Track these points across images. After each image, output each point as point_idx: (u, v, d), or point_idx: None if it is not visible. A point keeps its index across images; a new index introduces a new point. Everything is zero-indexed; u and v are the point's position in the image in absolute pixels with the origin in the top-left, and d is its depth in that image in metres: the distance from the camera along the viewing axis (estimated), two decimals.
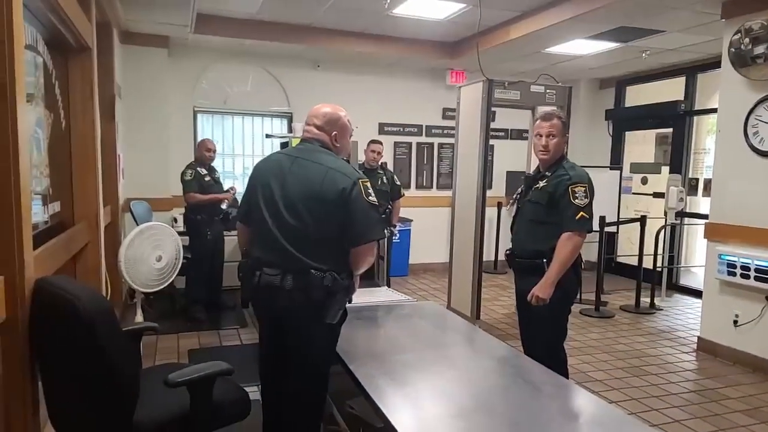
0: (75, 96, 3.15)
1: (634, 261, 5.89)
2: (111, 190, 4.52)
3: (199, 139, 5.42)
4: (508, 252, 2.95)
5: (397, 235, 5.45)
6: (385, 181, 5.15)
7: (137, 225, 4.30)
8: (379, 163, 5.16)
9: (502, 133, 7.35)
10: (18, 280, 1.67)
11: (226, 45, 5.85)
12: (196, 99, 6.13)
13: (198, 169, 4.73)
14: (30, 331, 1.72)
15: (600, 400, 2.02)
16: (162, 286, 3.36)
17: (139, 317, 3.45)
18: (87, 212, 3.21)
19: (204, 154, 4.82)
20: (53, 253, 2.43)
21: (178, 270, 3.44)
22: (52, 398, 1.79)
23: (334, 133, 2.23)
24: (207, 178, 4.75)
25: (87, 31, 3.11)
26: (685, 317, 5.28)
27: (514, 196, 2.96)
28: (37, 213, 2.51)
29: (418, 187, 7.20)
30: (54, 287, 1.71)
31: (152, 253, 3.28)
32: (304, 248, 2.05)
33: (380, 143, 5.19)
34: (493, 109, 4.61)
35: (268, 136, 5.79)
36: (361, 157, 5.20)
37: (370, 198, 2.08)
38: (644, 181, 6.98)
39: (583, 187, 2.61)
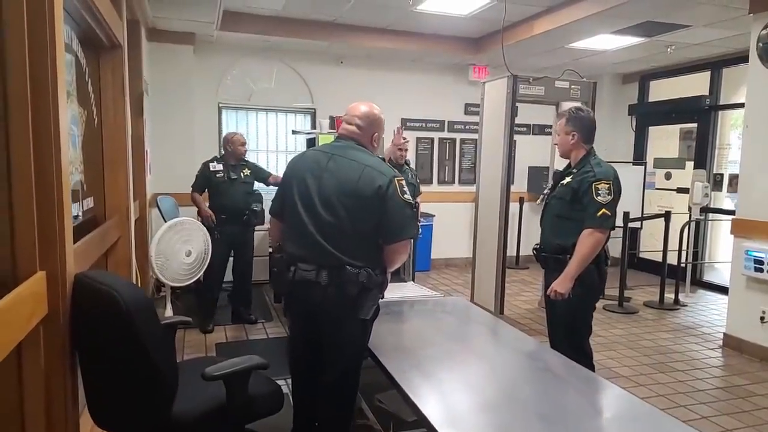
0: (107, 93, 3.20)
1: (657, 257, 5.83)
2: (139, 185, 4.59)
3: (225, 133, 5.25)
4: (536, 247, 2.95)
5: (420, 231, 5.47)
6: (412, 176, 5.17)
7: (164, 220, 4.38)
8: (405, 159, 5.18)
9: (524, 129, 7.29)
10: (60, 275, 1.71)
11: (251, 42, 5.89)
12: (221, 95, 6.19)
13: (212, 163, 4.43)
14: (71, 324, 1.77)
15: (631, 395, 2.02)
16: (191, 281, 3.42)
17: (168, 311, 3.51)
18: (118, 207, 3.27)
19: (236, 149, 4.46)
20: (89, 249, 2.49)
21: (206, 265, 3.49)
22: (92, 390, 1.84)
23: (375, 133, 2.27)
24: (219, 175, 4.37)
25: (118, 29, 3.16)
26: (710, 313, 5.22)
27: (545, 192, 2.97)
28: (74, 209, 2.58)
29: (440, 182, 7.19)
30: (94, 281, 1.76)
31: (182, 247, 3.34)
32: (339, 244, 2.07)
33: (406, 140, 5.20)
34: (516, 104, 4.59)
35: (294, 132, 5.82)
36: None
37: (405, 196, 2.10)
38: (668, 177, 6.89)
39: (607, 184, 2.60)
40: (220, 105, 6.19)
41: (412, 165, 5.67)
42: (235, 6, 5.15)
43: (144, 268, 3.89)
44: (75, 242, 2.29)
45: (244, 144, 4.52)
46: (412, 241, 5.10)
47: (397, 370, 2.04)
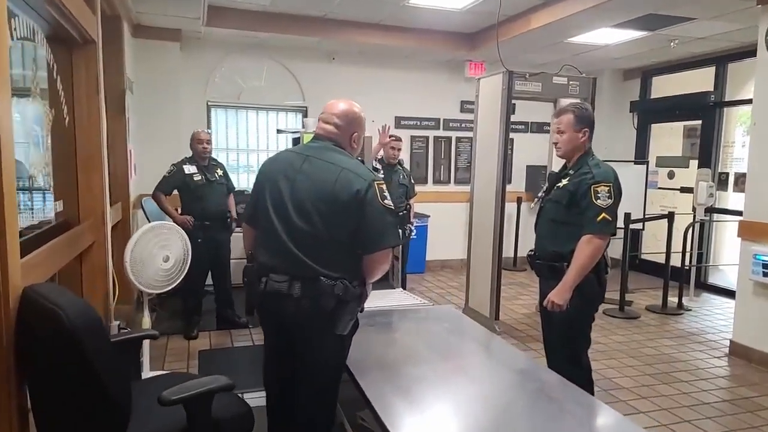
0: (79, 91, 3.04)
1: (659, 258, 5.66)
2: (121, 186, 4.45)
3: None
4: (530, 253, 2.78)
5: (415, 231, 5.30)
6: (404, 176, 5.02)
7: (149, 222, 4.22)
8: (398, 159, 5.03)
9: (522, 127, 7.13)
10: (2, 290, 1.56)
11: (240, 38, 5.74)
12: (209, 93, 6.03)
13: (185, 166, 4.20)
14: (17, 343, 1.62)
15: (632, 423, 1.83)
16: (169, 288, 3.25)
17: (146, 318, 3.35)
18: (92, 210, 3.11)
19: (196, 147, 4.24)
20: (51, 256, 2.33)
21: (186, 271, 3.33)
22: (41, 416, 1.69)
23: (355, 133, 2.10)
24: (196, 177, 4.18)
25: (91, 24, 3.00)
26: (716, 319, 5.04)
27: (539, 194, 2.79)
28: (37, 213, 2.42)
29: (435, 181, 7.03)
30: (40, 297, 1.60)
31: (159, 253, 3.17)
32: (313, 253, 1.91)
33: (399, 139, 5.05)
34: (513, 101, 4.43)
35: (279, 131, 5.66)
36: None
37: (385, 201, 1.93)
38: (671, 176, 6.72)
39: (607, 186, 2.43)
40: (209, 103, 6.04)
41: (406, 165, 5.51)
42: (221, 1, 4.98)
43: (123, 274, 3.73)
44: (36, 249, 2.16)
45: (201, 141, 4.24)
46: (402, 243, 4.99)
47: (374, 391, 1.87)
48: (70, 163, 2.97)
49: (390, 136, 4.87)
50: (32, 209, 2.35)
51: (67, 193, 2.89)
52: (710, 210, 5.86)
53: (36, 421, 1.71)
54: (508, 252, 6.66)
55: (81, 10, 2.77)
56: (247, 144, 6.35)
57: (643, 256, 6.74)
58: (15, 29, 2.06)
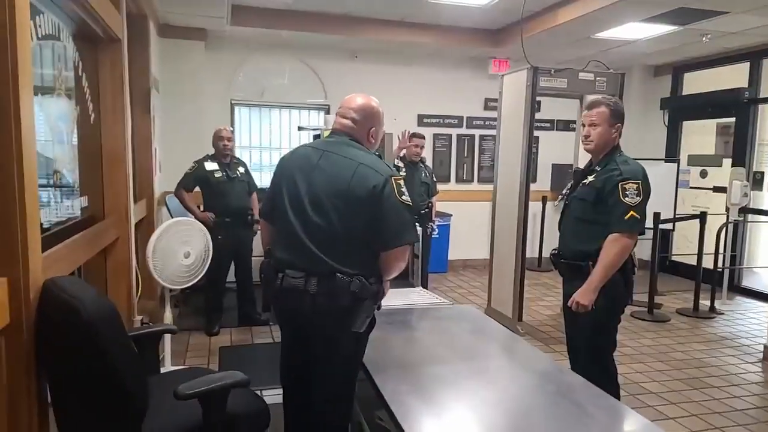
0: (105, 89, 3.09)
1: (691, 260, 5.50)
2: (146, 184, 4.51)
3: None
4: (554, 252, 2.71)
5: (437, 230, 5.25)
6: (427, 174, 4.98)
7: (171, 219, 4.27)
8: (421, 157, 5.00)
9: (548, 124, 7.01)
10: (23, 282, 1.57)
11: (263, 37, 5.76)
12: (233, 92, 6.08)
13: (207, 162, 4.25)
14: (38, 335, 1.63)
15: (659, 429, 1.75)
16: (190, 283, 3.27)
17: (168, 314, 3.38)
18: (117, 206, 3.16)
19: (217, 144, 4.26)
20: (75, 250, 2.36)
21: (207, 266, 3.34)
22: (61, 408, 1.70)
23: (372, 128, 2.07)
24: (217, 174, 4.21)
25: (116, 23, 3.04)
26: (749, 323, 4.86)
27: (564, 192, 2.70)
28: (62, 208, 2.46)
29: (458, 180, 6.95)
30: (60, 290, 1.61)
31: (180, 248, 3.20)
32: (330, 250, 1.89)
33: (422, 137, 5.01)
34: (538, 98, 4.35)
35: (300, 128, 5.67)
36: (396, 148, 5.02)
37: (403, 197, 1.89)
38: (703, 175, 6.52)
39: (636, 183, 2.35)
40: (233, 102, 6.09)
41: (428, 162, 5.46)
42: (244, 0, 5.01)
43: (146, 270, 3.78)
44: (60, 243, 2.19)
45: (222, 138, 4.27)
46: (421, 241, 4.94)
47: (391, 391, 1.83)
48: (96, 160, 3.02)
49: (412, 134, 4.84)
50: (57, 204, 2.39)
51: (93, 190, 2.93)
52: (744, 210, 5.66)
53: (55, 412, 1.73)
54: (532, 252, 6.56)
55: (106, 8, 2.81)
56: (270, 142, 6.38)
57: (674, 258, 6.56)
58: (40, 26, 2.09)
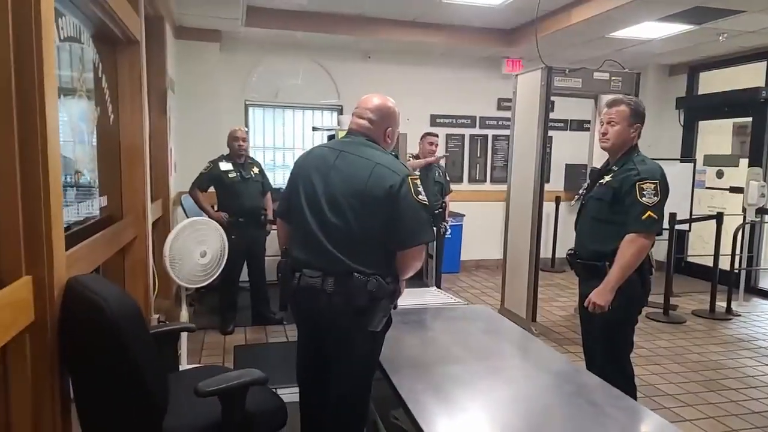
0: (124, 89, 3.12)
1: (707, 261, 5.44)
2: (162, 183, 4.55)
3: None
4: (570, 252, 2.70)
5: (450, 230, 5.25)
6: (440, 173, 4.98)
7: (188, 218, 4.31)
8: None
9: (562, 124, 6.97)
10: (47, 280, 1.61)
11: (277, 38, 5.80)
12: (247, 92, 6.13)
13: (221, 163, 4.29)
14: (61, 332, 1.66)
15: (678, 430, 1.75)
16: (206, 282, 3.31)
17: (184, 313, 3.42)
18: (135, 206, 3.19)
19: (232, 144, 4.31)
20: (95, 249, 2.39)
21: (223, 265, 3.38)
22: (84, 405, 1.73)
23: (389, 128, 2.08)
24: (232, 174, 4.25)
25: (135, 25, 3.07)
26: (766, 324, 4.82)
27: (580, 192, 2.70)
28: (82, 207, 2.50)
29: (471, 180, 6.94)
30: (84, 288, 1.64)
31: (196, 248, 3.23)
32: (346, 249, 1.90)
33: (436, 136, 5.02)
34: (552, 98, 4.33)
35: (314, 128, 5.69)
36: (410, 149, 5.02)
37: (419, 197, 1.90)
38: (719, 175, 6.45)
39: (653, 183, 2.33)
40: (247, 102, 6.13)
41: (442, 162, 5.46)
42: (259, 2, 5.06)
43: (163, 269, 3.82)
44: (82, 242, 2.23)
45: (237, 139, 4.30)
46: (435, 241, 4.95)
47: (407, 389, 1.84)
48: (115, 159, 3.06)
49: (426, 133, 4.84)
50: (77, 204, 2.42)
51: (111, 189, 2.97)
52: (762, 211, 5.58)
53: (78, 409, 1.76)
54: (545, 253, 6.54)
55: (125, 10, 2.85)
56: (284, 142, 6.42)
57: (690, 259, 6.50)
58: (62, 29, 2.13)
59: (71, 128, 2.35)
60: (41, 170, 1.58)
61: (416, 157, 4.83)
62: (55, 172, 1.66)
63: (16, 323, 1.48)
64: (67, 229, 2.13)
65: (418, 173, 4.59)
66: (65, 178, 2.24)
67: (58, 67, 2.12)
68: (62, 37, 2.15)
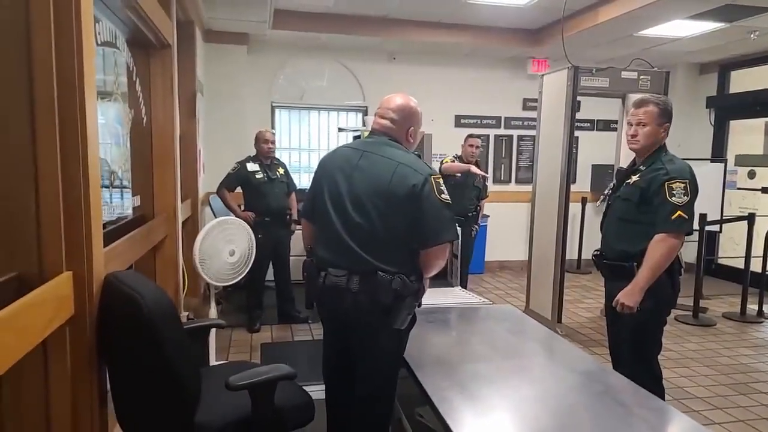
0: (156, 92, 3.21)
1: (738, 263, 5.32)
2: (191, 184, 4.65)
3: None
4: (596, 253, 2.68)
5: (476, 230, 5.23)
6: (480, 178, 4.93)
7: (215, 218, 4.40)
8: (476, 159, 4.96)
9: (588, 124, 6.90)
10: (87, 276, 1.67)
11: (303, 40, 5.87)
12: (273, 94, 6.22)
13: (248, 163, 4.38)
14: (99, 325, 1.73)
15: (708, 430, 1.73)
16: (234, 280, 3.38)
17: (212, 311, 3.50)
18: (165, 206, 3.28)
19: (261, 146, 4.39)
20: (129, 247, 2.47)
21: (251, 264, 3.44)
22: (119, 397, 1.80)
23: (411, 128, 2.10)
24: (258, 175, 4.34)
25: (167, 29, 3.16)
26: None
27: (606, 192, 2.67)
28: (117, 206, 2.58)
29: (496, 181, 6.91)
30: (121, 283, 1.70)
31: (225, 247, 3.30)
32: (371, 248, 1.93)
33: (479, 138, 4.99)
34: (578, 98, 4.29)
35: (340, 129, 5.75)
36: (435, 149, 5.02)
37: (442, 196, 1.92)
38: (751, 175, 6.30)
39: (683, 183, 2.30)
40: (273, 104, 6.22)
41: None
42: (285, 4, 5.13)
43: (192, 267, 3.91)
44: (116, 240, 2.30)
45: (267, 141, 4.39)
46: (460, 241, 4.93)
47: (433, 386, 1.86)
48: (147, 161, 3.15)
49: (469, 135, 4.83)
50: (112, 204, 2.51)
51: (144, 189, 3.06)
52: None
53: (114, 402, 1.83)
54: (571, 254, 6.46)
55: (159, 15, 2.93)
56: (309, 143, 6.49)
57: (720, 261, 6.36)
58: (99, 34, 2.21)
59: (108, 131, 2.44)
60: (81, 172, 1.65)
61: (459, 158, 4.81)
62: (94, 173, 1.72)
63: (57, 317, 1.54)
64: (103, 227, 2.21)
65: (459, 176, 4.58)
66: (102, 180, 2.32)
67: (96, 71, 2.20)
68: (99, 42, 2.23)
